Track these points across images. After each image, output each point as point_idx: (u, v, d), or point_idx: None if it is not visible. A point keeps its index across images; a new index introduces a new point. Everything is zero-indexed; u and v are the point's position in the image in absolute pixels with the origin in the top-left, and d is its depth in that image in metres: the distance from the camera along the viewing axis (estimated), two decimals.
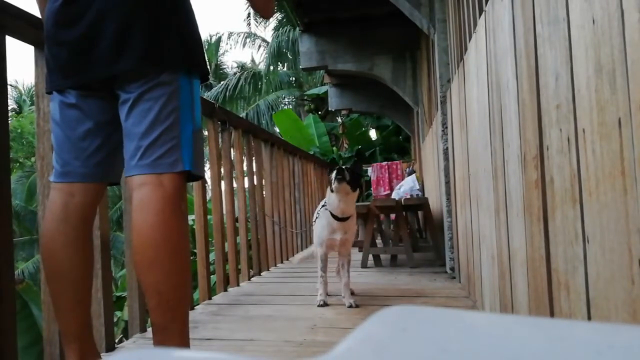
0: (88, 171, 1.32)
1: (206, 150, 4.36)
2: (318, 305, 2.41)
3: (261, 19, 16.99)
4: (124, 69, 1.23)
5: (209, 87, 16.92)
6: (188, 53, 1.30)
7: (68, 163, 1.32)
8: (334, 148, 11.91)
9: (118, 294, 7.74)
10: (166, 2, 1.28)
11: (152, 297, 1.18)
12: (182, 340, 1.22)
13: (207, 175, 4.89)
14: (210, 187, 3.15)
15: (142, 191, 1.22)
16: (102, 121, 1.32)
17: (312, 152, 8.63)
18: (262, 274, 3.64)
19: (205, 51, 1.45)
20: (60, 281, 1.29)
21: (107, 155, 1.34)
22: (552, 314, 1.14)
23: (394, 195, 5.54)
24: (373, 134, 12.72)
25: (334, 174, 2.38)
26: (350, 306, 2.40)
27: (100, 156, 1.33)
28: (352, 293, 2.52)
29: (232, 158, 3.35)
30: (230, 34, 17.99)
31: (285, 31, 15.26)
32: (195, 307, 2.47)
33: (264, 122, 15.25)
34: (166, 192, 1.21)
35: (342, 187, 2.35)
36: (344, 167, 2.44)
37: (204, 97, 3.73)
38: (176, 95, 1.25)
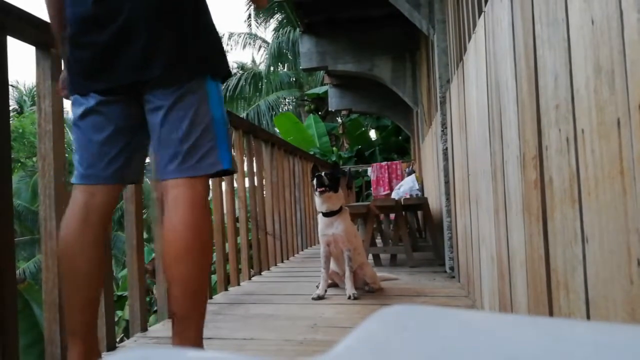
0: (109, 174, 1.37)
1: None
2: (312, 298, 2.53)
3: (262, 20, 16.98)
4: (154, 75, 1.26)
5: None
6: (214, 57, 1.36)
7: (91, 166, 1.36)
8: (334, 148, 11.91)
9: (119, 294, 7.74)
10: (193, 9, 1.32)
11: (178, 287, 1.26)
12: (199, 332, 1.31)
13: None
14: (210, 187, 3.15)
15: (176, 192, 1.30)
16: (122, 126, 1.36)
17: (312, 153, 8.63)
18: (262, 273, 3.64)
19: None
20: (76, 279, 1.33)
21: (127, 159, 1.39)
22: (551, 314, 1.14)
23: (394, 195, 5.54)
24: (373, 134, 12.72)
25: (314, 182, 2.64)
26: (350, 297, 2.51)
27: (121, 160, 1.37)
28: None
29: None
30: (230, 35, 17.93)
31: (286, 32, 15.25)
32: None
33: (264, 122, 15.23)
34: (197, 193, 1.31)
35: (324, 195, 2.64)
36: (322, 173, 2.69)
37: None
38: (206, 99, 1.32)
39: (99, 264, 1.36)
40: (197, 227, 1.28)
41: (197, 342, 1.32)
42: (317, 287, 2.64)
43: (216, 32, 1.40)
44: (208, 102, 1.32)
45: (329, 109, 8.44)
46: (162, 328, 2.08)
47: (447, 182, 3.12)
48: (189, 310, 1.29)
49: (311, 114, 13.01)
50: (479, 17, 1.92)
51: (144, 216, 4.74)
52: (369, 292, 2.68)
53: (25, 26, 1.49)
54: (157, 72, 1.26)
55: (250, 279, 3.41)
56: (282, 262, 4.24)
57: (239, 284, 3.15)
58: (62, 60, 1.48)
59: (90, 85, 1.31)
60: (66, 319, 1.37)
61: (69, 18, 1.32)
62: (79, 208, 1.34)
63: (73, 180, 1.39)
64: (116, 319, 7.07)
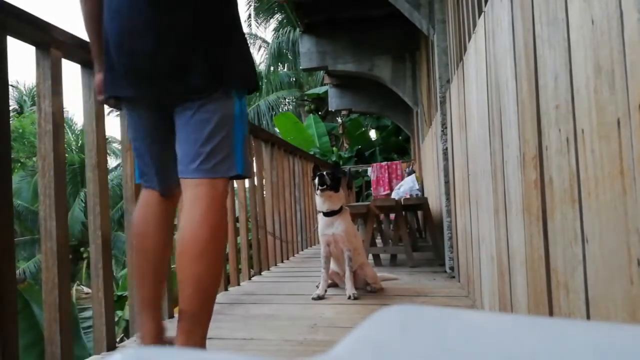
0: (164, 186, 1.52)
1: None
2: (312, 298, 2.52)
3: (262, 20, 16.98)
4: (188, 86, 1.35)
5: None
6: (243, 70, 1.45)
7: (149, 179, 1.53)
8: (334, 148, 11.91)
9: (119, 294, 7.74)
10: (227, 24, 1.41)
11: (191, 285, 1.32)
12: (205, 331, 1.36)
13: None
14: None
15: (197, 190, 1.37)
16: (165, 144, 1.46)
17: (312, 153, 8.64)
18: (262, 273, 3.64)
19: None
20: (148, 258, 1.51)
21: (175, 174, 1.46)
22: (551, 314, 1.14)
23: (394, 195, 5.54)
24: (373, 134, 12.73)
25: (316, 181, 2.64)
26: (350, 297, 2.51)
27: (170, 177, 1.49)
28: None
29: None
30: None
31: (286, 32, 15.25)
32: None
33: (264, 122, 15.24)
34: (219, 193, 1.38)
35: (325, 194, 2.65)
36: (324, 172, 2.68)
37: None
38: (231, 107, 1.40)
39: (168, 245, 1.54)
40: (216, 225, 1.34)
41: (202, 341, 1.35)
42: (317, 287, 2.64)
43: (247, 46, 1.49)
44: (233, 110, 1.40)
45: (329, 109, 8.44)
46: None
47: (447, 182, 3.12)
48: (199, 308, 1.33)
49: (311, 114, 13.01)
50: (479, 17, 1.92)
51: None
52: (371, 292, 2.68)
53: (25, 26, 1.49)
54: (191, 83, 1.35)
55: (250, 279, 3.41)
56: (282, 262, 4.24)
57: (239, 284, 3.15)
58: (96, 67, 1.56)
59: (130, 90, 1.40)
60: (139, 292, 1.54)
61: (109, 31, 1.39)
62: (148, 205, 1.54)
63: (144, 184, 1.56)
64: (116, 319, 7.08)
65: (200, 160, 1.36)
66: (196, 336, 1.32)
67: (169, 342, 1.51)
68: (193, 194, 1.36)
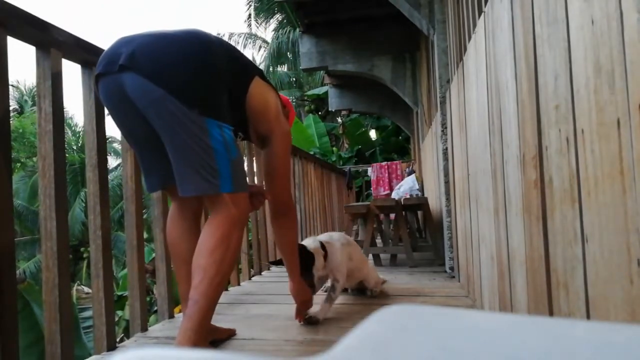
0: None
1: None
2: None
3: (262, 20, 16.98)
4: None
5: None
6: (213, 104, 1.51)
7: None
8: (334, 148, 11.92)
9: (119, 294, 7.75)
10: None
11: (198, 274, 1.44)
12: (202, 316, 1.42)
13: None
14: None
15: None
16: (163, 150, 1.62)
17: (312, 153, 8.65)
18: (262, 273, 3.64)
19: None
20: (178, 259, 1.73)
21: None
22: (551, 314, 1.14)
23: (394, 195, 5.55)
24: (373, 134, 12.73)
25: None
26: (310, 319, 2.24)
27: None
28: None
29: None
30: (231, 35, 17.91)
31: (286, 32, 15.26)
32: None
33: None
34: (234, 210, 1.57)
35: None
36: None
37: None
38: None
39: (194, 246, 1.59)
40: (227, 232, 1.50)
41: (193, 323, 1.41)
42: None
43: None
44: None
45: (329, 109, 8.45)
46: (162, 328, 2.08)
47: (447, 182, 3.12)
48: (199, 294, 1.42)
49: (311, 114, 13.02)
50: (479, 17, 1.92)
51: (144, 216, 4.74)
52: (371, 297, 2.62)
53: (25, 26, 1.49)
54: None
55: (250, 279, 3.41)
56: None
57: (239, 284, 3.15)
58: None
59: None
60: (178, 287, 1.76)
61: None
62: (174, 208, 1.76)
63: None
64: (116, 319, 7.10)
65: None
66: (190, 320, 1.40)
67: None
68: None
